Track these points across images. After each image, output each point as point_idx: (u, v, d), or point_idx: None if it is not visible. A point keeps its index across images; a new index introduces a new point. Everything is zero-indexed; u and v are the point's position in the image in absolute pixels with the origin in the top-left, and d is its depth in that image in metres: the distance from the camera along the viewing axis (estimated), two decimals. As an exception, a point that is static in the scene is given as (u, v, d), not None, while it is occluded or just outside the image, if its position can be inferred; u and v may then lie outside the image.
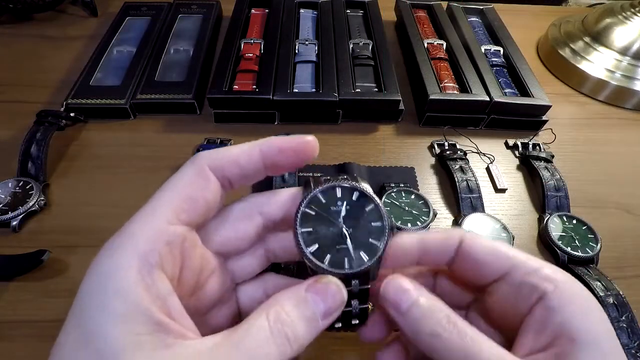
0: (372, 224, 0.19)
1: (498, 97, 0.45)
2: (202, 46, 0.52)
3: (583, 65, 0.54)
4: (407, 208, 0.35)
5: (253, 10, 0.59)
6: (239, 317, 0.21)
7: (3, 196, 0.36)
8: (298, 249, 0.18)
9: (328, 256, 0.18)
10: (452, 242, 0.19)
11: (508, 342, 0.18)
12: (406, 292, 0.17)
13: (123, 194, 0.39)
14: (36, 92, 0.48)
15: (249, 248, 0.20)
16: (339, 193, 0.19)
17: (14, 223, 0.35)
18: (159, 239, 0.15)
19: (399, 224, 0.33)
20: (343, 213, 0.19)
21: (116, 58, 0.51)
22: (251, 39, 0.51)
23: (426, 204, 0.36)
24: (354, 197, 0.19)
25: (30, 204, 0.36)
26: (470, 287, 0.20)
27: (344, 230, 0.18)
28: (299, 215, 0.18)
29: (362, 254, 0.18)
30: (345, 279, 0.18)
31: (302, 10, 0.59)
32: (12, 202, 0.36)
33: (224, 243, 0.19)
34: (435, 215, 0.36)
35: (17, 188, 0.37)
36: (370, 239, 0.18)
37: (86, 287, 0.15)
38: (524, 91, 0.48)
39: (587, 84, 0.54)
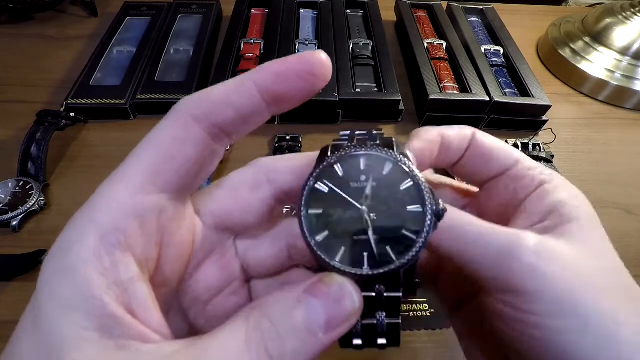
0: (408, 208, 0.14)
1: (498, 97, 0.45)
2: (202, 46, 0.52)
3: (583, 65, 0.54)
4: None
5: (253, 10, 0.59)
6: None
7: (3, 196, 0.36)
8: (303, 237, 0.14)
9: (342, 249, 0.13)
10: (467, 134, 0.19)
11: None
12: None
13: (123, 194, 0.39)
14: (36, 92, 0.48)
15: (259, 226, 0.17)
16: (363, 164, 0.14)
17: (14, 223, 0.35)
18: (126, 212, 0.12)
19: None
20: (367, 192, 0.14)
21: (116, 58, 0.51)
22: (251, 39, 0.51)
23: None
24: (385, 171, 0.14)
25: (30, 204, 0.36)
26: (463, 191, 0.21)
27: (366, 215, 0.14)
28: (305, 191, 0.14)
29: (389, 250, 0.13)
30: (365, 283, 0.13)
31: (302, 10, 0.59)
32: (12, 202, 0.36)
33: (222, 215, 0.16)
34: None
35: (17, 188, 0.37)
36: (403, 230, 0.13)
37: (43, 267, 0.12)
38: (524, 91, 0.48)
39: (587, 84, 0.54)
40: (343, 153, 0.15)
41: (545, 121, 0.47)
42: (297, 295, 0.13)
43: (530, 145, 0.45)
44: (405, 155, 0.15)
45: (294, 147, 0.42)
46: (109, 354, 0.11)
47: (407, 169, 0.14)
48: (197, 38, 0.53)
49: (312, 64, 0.14)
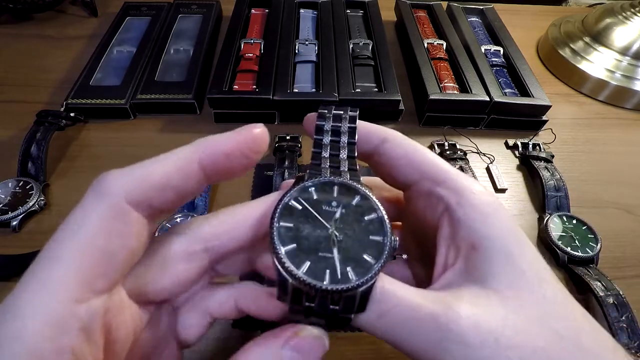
0: (371, 237, 0.15)
1: (498, 97, 0.45)
2: (202, 46, 0.52)
3: (583, 65, 0.54)
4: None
5: (253, 10, 0.59)
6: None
7: (3, 196, 0.36)
8: (270, 247, 0.14)
9: (307, 263, 0.14)
10: (379, 135, 0.18)
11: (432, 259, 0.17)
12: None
13: (123, 194, 0.39)
14: (36, 92, 0.48)
15: (188, 289, 0.16)
16: (336, 192, 0.16)
17: (14, 223, 0.35)
18: (64, 329, 0.10)
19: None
20: (337, 215, 0.15)
21: (116, 58, 0.51)
22: (251, 39, 0.51)
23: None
24: (354, 202, 0.16)
25: (30, 204, 0.36)
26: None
27: (333, 236, 0.15)
28: (280, 205, 0.15)
29: (350, 270, 0.14)
30: (323, 298, 0.14)
31: (302, 10, 0.59)
32: (12, 202, 0.36)
33: (155, 294, 0.15)
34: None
35: (17, 188, 0.37)
36: (364, 255, 0.14)
37: None
38: (524, 91, 0.48)
39: (587, 84, 0.54)
40: (319, 179, 0.16)
41: (545, 121, 0.47)
42: (279, 351, 0.13)
43: (530, 145, 0.45)
44: (371, 191, 0.16)
45: (293, 147, 0.42)
46: None
47: (373, 204, 0.16)
48: (197, 38, 0.53)
49: (256, 142, 0.15)
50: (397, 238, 0.15)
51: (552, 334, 0.13)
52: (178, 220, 0.35)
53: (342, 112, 0.19)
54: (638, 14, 0.53)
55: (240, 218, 0.16)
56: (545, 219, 0.38)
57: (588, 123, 0.50)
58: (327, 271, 0.14)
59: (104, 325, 0.12)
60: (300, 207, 0.15)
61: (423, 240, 0.18)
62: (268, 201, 0.16)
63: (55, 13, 0.60)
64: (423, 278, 0.19)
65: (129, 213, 0.12)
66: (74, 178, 0.40)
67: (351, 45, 0.52)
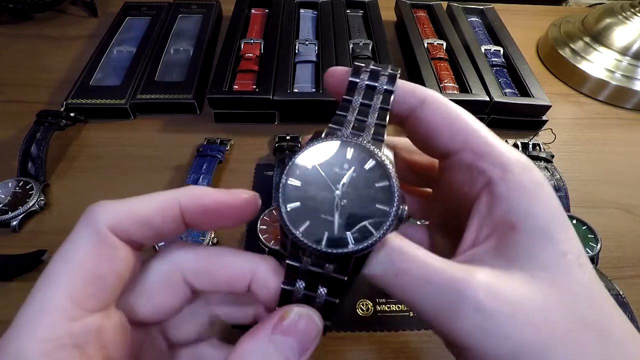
0: (377, 205, 0.14)
1: (498, 97, 0.45)
2: (202, 46, 0.52)
3: (583, 65, 0.54)
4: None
5: (253, 10, 0.59)
6: None
7: (3, 196, 0.36)
8: (277, 202, 0.15)
9: (307, 222, 0.14)
10: (417, 95, 0.16)
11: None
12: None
13: (123, 194, 0.38)
14: (36, 92, 0.48)
15: (177, 313, 0.17)
16: (350, 153, 0.15)
17: (14, 223, 0.35)
18: (56, 347, 0.11)
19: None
20: (345, 180, 0.15)
21: (116, 58, 0.51)
22: (251, 39, 0.51)
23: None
24: (368, 166, 0.15)
25: (30, 204, 0.36)
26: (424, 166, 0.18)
27: (338, 199, 0.14)
28: (291, 162, 0.15)
29: (348, 235, 0.14)
30: (317, 258, 0.14)
31: (302, 10, 0.59)
32: (12, 202, 0.36)
33: (144, 318, 0.15)
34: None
35: (17, 188, 0.37)
36: (366, 222, 0.14)
37: None
38: (524, 91, 0.48)
39: (587, 84, 0.54)
40: (337, 138, 0.15)
41: (545, 121, 0.47)
42: (267, 339, 0.13)
43: (530, 145, 0.45)
44: (389, 158, 0.15)
45: (293, 147, 0.42)
46: None
47: (387, 172, 0.15)
48: (197, 38, 0.53)
49: (241, 208, 0.15)
50: (407, 208, 0.14)
51: (578, 318, 0.12)
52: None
53: (380, 69, 0.17)
54: (638, 14, 0.53)
55: (226, 268, 0.15)
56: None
57: (588, 123, 0.50)
58: (326, 233, 0.14)
59: (100, 342, 0.12)
60: (309, 167, 0.15)
61: (452, 211, 0.17)
62: (256, 260, 0.16)
63: (55, 13, 0.60)
64: (442, 248, 0.18)
65: (114, 241, 0.13)
66: (74, 178, 0.40)
67: (351, 45, 0.52)
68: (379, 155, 0.15)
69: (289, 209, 0.14)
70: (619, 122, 0.51)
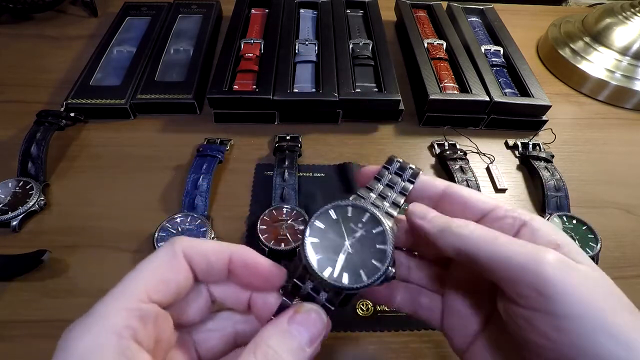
0: (372, 260, 0.18)
1: (498, 97, 0.45)
2: (202, 46, 0.52)
3: (583, 65, 0.54)
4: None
5: (253, 10, 0.59)
6: None
7: (3, 196, 0.36)
8: (302, 234, 0.19)
9: (320, 255, 0.18)
10: (440, 184, 0.21)
11: None
12: (428, 208, 0.20)
13: (123, 194, 0.39)
14: (36, 92, 0.48)
15: (204, 320, 0.21)
16: (365, 217, 0.19)
17: (14, 223, 0.35)
18: (133, 314, 0.16)
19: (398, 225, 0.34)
20: (357, 235, 0.19)
21: (116, 58, 0.51)
22: (251, 39, 0.51)
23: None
24: (375, 230, 0.19)
25: (30, 204, 0.36)
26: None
27: (347, 248, 0.19)
28: (322, 209, 0.19)
29: (345, 276, 0.18)
30: (317, 283, 0.18)
31: (302, 10, 0.59)
32: (12, 202, 0.36)
33: (181, 318, 0.19)
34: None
35: (17, 188, 0.37)
36: (361, 270, 0.18)
37: None
38: (524, 91, 0.48)
39: (587, 84, 0.54)
40: (358, 202, 0.20)
41: (545, 121, 0.47)
42: (285, 326, 0.17)
43: (530, 145, 0.45)
44: (392, 230, 0.19)
45: (293, 147, 0.42)
46: None
47: (388, 239, 0.19)
48: (197, 38, 0.53)
49: (266, 275, 0.19)
50: (394, 271, 0.18)
51: (621, 295, 0.17)
52: (178, 220, 0.35)
53: (408, 164, 0.22)
54: (638, 14, 0.53)
55: (211, 247, 0.19)
56: (546, 219, 0.38)
57: (588, 123, 0.50)
58: (329, 268, 0.18)
59: (155, 323, 0.17)
60: (334, 217, 0.19)
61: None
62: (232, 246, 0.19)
63: (55, 13, 0.60)
64: (457, 313, 0.22)
65: (181, 260, 0.18)
66: (74, 178, 0.40)
67: (351, 45, 0.52)
68: (386, 225, 0.19)
69: (311, 242, 0.18)
70: (619, 122, 0.51)
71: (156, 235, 0.34)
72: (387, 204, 0.21)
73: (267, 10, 0.58)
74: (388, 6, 0.62)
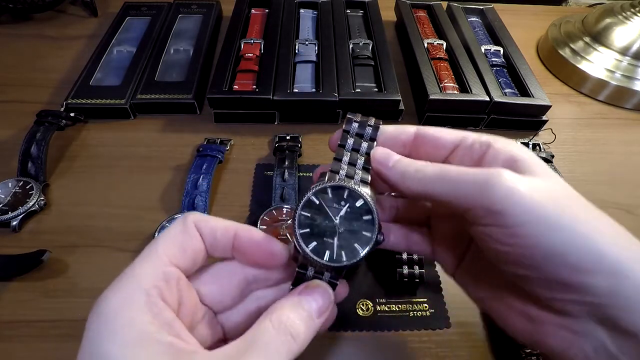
0: (363, 232, 0.20)
1: (498, 97, 0.45)
2: (202, 46, 0.52)
3: (583, 65, 0.54)
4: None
5: (253, 10, 0.59)
6: None
7: (3, 196, 0.36)
8: (292, 227, 0.20)
9: (314, 243, 0.20)
10: (411, 129, 0.23)
11: None
12: (390, 154, 0.21)
13: (123, 194, 0.39)
14: (36, 92, 0.48)
15: (233, 304, 0.22)
16: (346, 194, 0.20)
17: (14, 223, 0.35)
18: (159, 276, 0.18)
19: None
20: (342, 213, 0.20)
21: (116, 58, 0.51)
22: (251, 39, 0.51)
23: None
24: (357, 203, 0.20)
25: (30, 204, 0.36)
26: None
27: (337, 227, 0.20)
28: (304, 198, 0.20)
29: (343, 254, 0.20)
30: (320, 268, 0.20)
31: (302, 10, 0.59)
32: (12, 202, 0.36)
33: (208, 296, 0.21)
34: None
35: (17, 188, 0.37)
36: (355, 244, 0.20)
37: (97, 321, 0.16)
38: (524, 91, 0.48)
39: (587, 84, 0.54)
40: (334, 182, 0.20)
41: (545, 121, 0.47)
42: (297, 298, 0.19)
43: (530, 145, 0.45)
44: (372, 198, 0.20)
45: (293, 147, 0.42)
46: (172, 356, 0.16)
47: (371, 208, 0.20)
48: (197, 38, 0.53)
49: (267, 254, 0.21)
50: (383, 235, 0.20)
51: (573, 193, 0.19)
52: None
53: (367, 120, 0.23)
54: (638, 14, 0.53)
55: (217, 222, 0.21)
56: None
57: (588, 123, 0.50)
58: (327, 251, 0.20)
59: (177, 286, 0.19)
60: (317, 202, 0.20)
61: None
62: (237, 224, 0.21)
63: (55, 13, 0.60)
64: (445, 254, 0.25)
65: (194, 231, 0.20)
66: (74, 178, 0.40)
67: (351, 45, 0.52)
68: (365, 196, 0.20)
69: (301, 232, 0.20)
70: (619, 122, 0.51)
71: (156, 235, 0.34)
72: (359, 172, 0.21)
73: (267, 10, 0.58)
74: (388, 6, 0.62)
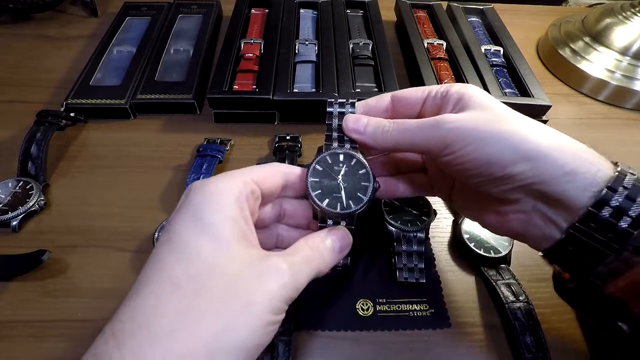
0: (362, 183, 0.25)
1: (498, 97, 0.45)
2: (202, 46, 0.52)
3: (583, 65, 0.54)
4: (407, 208, 0.35)
5: (253, 10, 0.59)
6: None
7: (3, 196, 0.36)
8: (307, 192, 0.25)
9: (326, 200, 0.24)
10: (386, 96, 0.28)
11: None
12: (360, 119, 0.26)
13: (123, 194, 0.39)
14: (36, 92, 0.48)
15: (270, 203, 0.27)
16: (341, 157, 0.26)
17: (14, 223, 0.35)
18: (247, 185, 0.22)
19: (398, 223, 0.34)
20: (342, 172, 0.25)
21: (116, 58, 0.51)
22: (251, 39, 0.51)
23: (426, 203, 0.36)
24: (352, 162, 0.26)
25: (30, 204, 0.36)
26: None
27: (341, 184, 0.25)
28: (310, 169, 0.25)
29: (351, 203, 0.24)
30: (336, 218, 0.25)
31: (302, 10, 0.59)
32: (12, 202, 0.36)
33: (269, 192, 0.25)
34: (435, 214, 0.36)
35: (17, 188, 0.37)
36: (358, 193, 0.25)
37: (200, 195, 0.21)
38: (524, 91, 0.48)
39: (587, 84, 0.54)
40: (331, 150, 0.26)
41: (545, 121, 0.47)
42: (324, 235, 0.24)
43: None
44: (363, 156, 0.26)
45: (293, 147, 0.42)
46: (249, 248, 0.21)
47: (364, 164, 0.25)
48: (197, 38, 0.54)
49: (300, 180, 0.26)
50: (379, 182, 0.25)
51: (501, 112, 0.24)
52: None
53: (345, 100, 0.27)
54: (638, 14, 0.53)
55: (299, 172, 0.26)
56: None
57: (588, 123, 0.50)
58: (338, 204, 0.24)
59: (255, 201, 0.23)
60: (321, 169, 0.25)
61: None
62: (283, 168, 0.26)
63: (55, 13, 0.60)
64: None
65: (277, 172, 0.25)
66: (74, 178, 0.40)
67: (351, 45, 0.52)
68: (358, 155, 0.26)
69: (315, 194, 0.24)
70: (619, 122, 0.51)
71: (156, 235, 0.34)
72: (347, 145, 0.26)
73: (267, 10, 0.58)
74: (388, 6, 0.62)
